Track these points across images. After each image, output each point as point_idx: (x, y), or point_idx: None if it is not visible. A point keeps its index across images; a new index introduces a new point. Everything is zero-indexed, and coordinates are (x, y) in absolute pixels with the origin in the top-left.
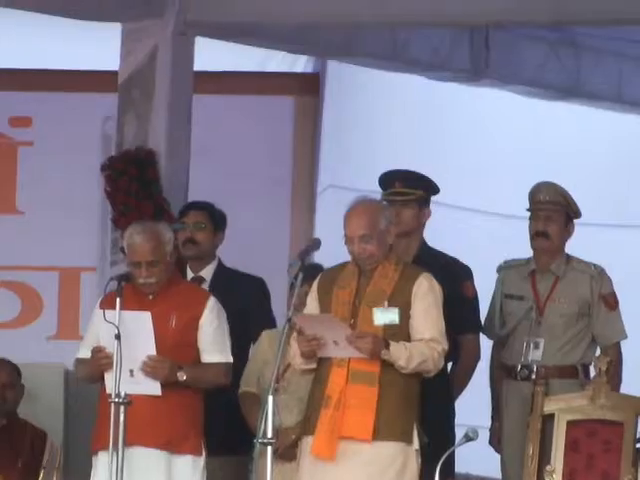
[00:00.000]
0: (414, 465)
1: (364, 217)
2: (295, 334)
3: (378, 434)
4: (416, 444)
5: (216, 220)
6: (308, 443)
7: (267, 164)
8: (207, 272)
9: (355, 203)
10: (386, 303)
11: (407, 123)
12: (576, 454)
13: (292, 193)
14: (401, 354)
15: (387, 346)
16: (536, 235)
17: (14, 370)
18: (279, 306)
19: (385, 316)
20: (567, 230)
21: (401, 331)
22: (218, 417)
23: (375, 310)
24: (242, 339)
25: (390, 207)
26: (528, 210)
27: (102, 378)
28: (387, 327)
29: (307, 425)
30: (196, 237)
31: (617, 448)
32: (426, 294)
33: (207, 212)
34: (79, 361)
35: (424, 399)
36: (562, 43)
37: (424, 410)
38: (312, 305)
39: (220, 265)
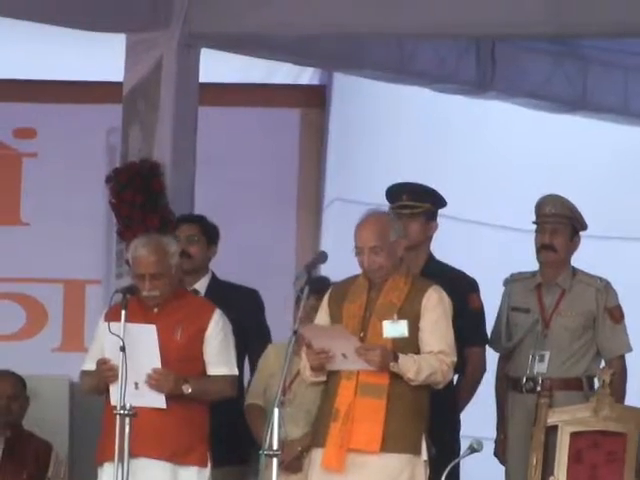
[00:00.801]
0: (422, 476)
1: (374, 229)
2: (305, 347)
3: (386, 446)
4: (424, 455)
5: (209, 233)
6: (318, 455)
7: (273, 176)
8: (201, 285)
9: (366, 215)
10: (395, 316)
11: (413, 135)
12: (579, 465)
13: (298, 206)
14: (410, 366)
15: (396, 359)
16: (542, 248)
17: (19, 382)
18: (284, 319)
19: (394, 329)
20: (573, 243)
21: (410, 344)
22: (221, 427)
23: (385, 323)
24: (237, 351)
25: (399, 220)
26: (534, 223)
27: (107, 390)
28: (396, 340)
29: (317, 438)
30: (189, 250)
31: (620, 459)
32: (435, 307)
33: (200, 225)
34: (84, 373)
35: (430, 411)
36: (568, 55)
37: (430, 422)
38: (323, 318)
39: (214, 278)
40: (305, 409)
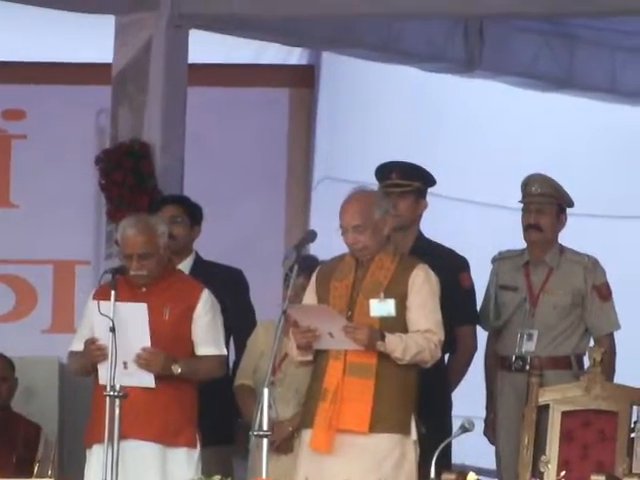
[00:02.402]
0: (412, 456)
1: (357, 208)
2: (292, 326)
3: (375, 426)
4: (414, 435)
5: (192, 213)
6: (307, 436)
7: (262, 156)
8: (185, 266)
9: (350, 194)
10: (382, 295)
11: (402, 114)
12: (571, 444)
13: (287, 185)
14: (397, 345)
15: (383, 337)
16: (528, 227)
17: (7, 364)
18: (274, 298)
19: (381, 308)
20: (559, 221)
21: (398, 323)
22: (209, 407)
23: (371, 302)
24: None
25: (387, 198)
26: (520, 202)
27: (95, 370)
28: (383, 319)
29: (305, 418)
30: (172, 231)
31: (612, 438)
32: (422, 285)
33: (183, 206)
34: (72, 354)
35: (421, 390)
36: (556, 34)
37: (421, 401)
38: (310, 297)
39: (198, 258)
40: (295, 389)
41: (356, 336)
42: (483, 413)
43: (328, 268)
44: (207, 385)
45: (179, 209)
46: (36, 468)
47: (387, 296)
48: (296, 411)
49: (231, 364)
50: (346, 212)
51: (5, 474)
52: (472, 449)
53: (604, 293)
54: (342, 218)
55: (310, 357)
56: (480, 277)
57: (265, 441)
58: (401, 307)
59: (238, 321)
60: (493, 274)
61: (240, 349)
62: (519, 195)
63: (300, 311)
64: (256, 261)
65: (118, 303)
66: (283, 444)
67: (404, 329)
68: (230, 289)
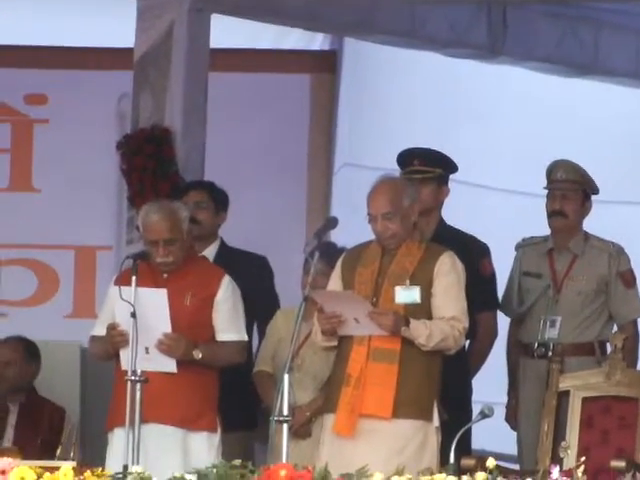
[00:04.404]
0: (434, 442)
1: (387, 195)
2: (317, 312)
3: (398, 412)
4: (436, 421)
5: (218, 199)
6: (329, 421)
7: (283, 142)
8: (209, 252)
9: (378, 181)
10: (408, 282)
11: (424, 100)
12: (591, 430)
13: (308, 171)
14: (421, 332)
15: (407, 323)
16: (553, 214)
17: (20, 347)
18: (295, 285)
19: (406, 294)
20: (584, 208)
21: (422, 309)
22: (230, 393)
23: (397, 288)
24: (246, 318)
25: (412, 185)
26: (545, 188)
27: (116, 355)
28: (408, 305)
29: (328, 403)
30: (197, 217)
31: (632, 424)
32: (448, 272)
33: (208, 191)
34: (93, 338)
35: (441, 376)
36: (580, 19)
37: (442, 387)
38: (335, 283)
39: (223, 244)
40: (313, 374)
41: (381, 321)
42: (503, 399)
43: (354, 255)
44: (230, 371)
45: (204, 194)
46: (59, 450)
47: (412, 283)
48: (314, 396)
49: (255, 351)
50: (375, 200)
51: (29, 456)
52: (492, 434)
53: (628, 280)
54: (371, 206)
55: (335, 342)
56: (501, 264)
57: (285, 426)
58: (426, 294)
59: (262, 308)
60: (517, 261)
61: (264, 336)
62: (542, 181)
63: (325, 296)
64: (277, 247)
65: (139, 288)
66: (301, 429)
67: (429, 316)
68: (255, 276)
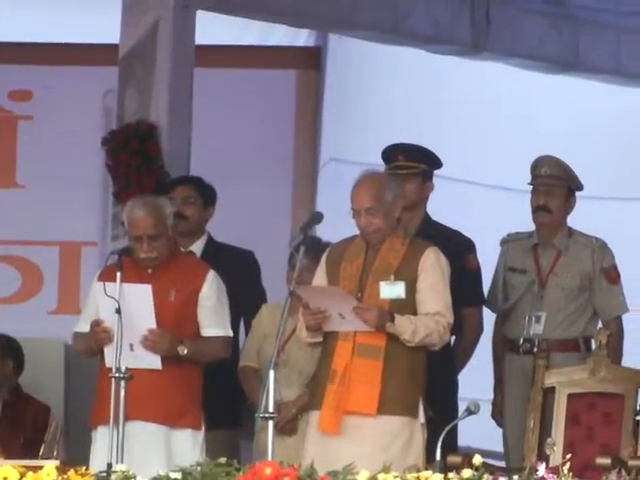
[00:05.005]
0: (420, 439)
1: (370, 190)
2: (301, 307)
3: (383, 408)
4: (422, 418)
5: (205, 194)
6: (314, 417)
7: (269, 138)
8: (197, 247)
9: (361, 176)
10: (392, 277)
11: (408, 96)
12: (576, 427)
13: (294, 166)
14: (406, 327)
15: (392, 319)
16: (537, 209)
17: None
18: (281, 280)
19: (391, 290)
20: (568, 204)
21: (407, 305)
22: (215, 390)
23: (381, 284)
24: (232, 313)
25: (396, 180)
26: (530, 184)
27: (100, 352)
28: (393, 301)
29: (313, 400)
30: (185, 212)
31: (617, 420)
32: (432, 268)
33: (196, 186)
34: (77, 335)
35: (427, 373)
36: (562, 17)
37: (427, 384)
38: (320, 279)
39: (210, 239)
40: (299, 370)
41: (366, 317)
42: (489, 395)
43: (338, 249)
44: (215, 368)
45: (192, 190)
46: (42, 448)
47: (397, 278)
48: (300, 393)
49: (241, 346)
50: (358, 195)
51: (12, 455)
52: (478, 432)
53: (612, 276)
54: (354, 201)
55: (320, 338)
56: (486, 259)
57: (271, 423)
58: (411, 289)
59: (249, 302)
60: (502, 256)
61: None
62: (525, 177)
63: (310, 292)
64: (262, 243)
65: (123, 284)
66: (287, 426)
67: (414, 311)
68: (242, 271)
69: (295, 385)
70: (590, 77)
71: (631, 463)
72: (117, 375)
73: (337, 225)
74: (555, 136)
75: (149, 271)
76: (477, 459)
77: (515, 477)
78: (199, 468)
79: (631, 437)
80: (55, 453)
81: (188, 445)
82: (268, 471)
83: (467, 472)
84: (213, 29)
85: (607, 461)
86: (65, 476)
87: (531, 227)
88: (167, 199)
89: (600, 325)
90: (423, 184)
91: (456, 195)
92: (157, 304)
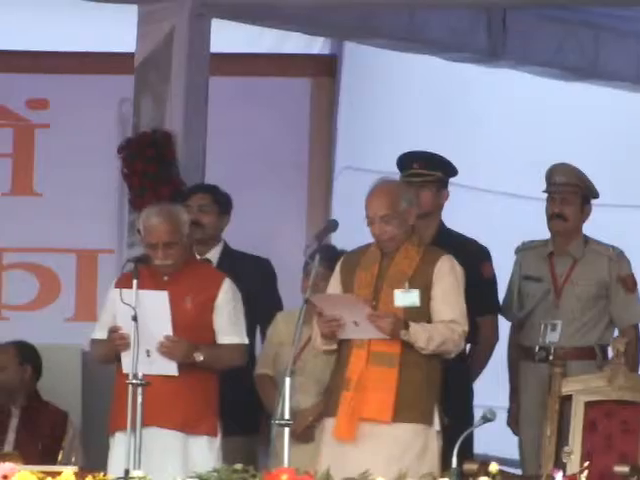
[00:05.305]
0: (435, 447)
1: (385, 198)
2: (316, 315)
3: (398, 415)
4: (437, 425)
5: (221, 202)
6: (329, 425)
7: (284, 146)
8: (213, 255)
9: (376, 184)
10: (407, 284)
11: (424, 104)
12: (594, 435)
13: (309, 175)
14: (421, 335)
15: (407, 327)
16: (553, 217)
17: (13, 351)
18: (295, 288)
19: (405, 298)
20: (584, 211)
21: (422, 313)
22: (231, 397)
23: (396, 292)
24: (248, 320)
25: (411, 188)
26: (545, 192)
27: (118, 359)
28: (408, 309)
29: (328, 407)
30: (201, 220)
31: (635, 429)
32: (447, 275)
33: (212, 194)
34: (94, 342)
35: (443, 381)
36: (580, 24)
37: (443, 392)
38: (335, 287)
39: (226, 247)
40: (316, 378)
41: (380, 324)
42: (505, 403)
43: (353, 257)
44: (231, 375)
45: (208, 198)
46: (61, 454)
47: (412, 286)
48: (316, 400)
49: (258, 353)
50: (373, 202)
51: (30, 461)
52: (495, 439)
53: (629, 284)
54: (369, 208)
55: (334, 346)
56: (502, 267)
57: (286, 430)
58: (425, 297)
59: (265, 310)
60: (517, 264)
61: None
62: (542, 185)
63: (325, 300)
64: (277, 250)
65: (140, 291)
66: (303, 433)
67: (428, 319)
68: (258, 278)
69: (311, 393)
70: (608, 84)
71: None
72: (134, 381)
73: (352, 233)
74: (571, 144)
75: (165, 278)
76: (493, 467)
77: None
78: (215, 474)
79: None
80: (73, 459)
81: (204, 452)
82: (284, 478)
83: None
84: (228, 37)
85: (625, 469)
86: None
87: (546, 235)
88: (183, 207)
89: (616, 333)
90: (438, 192)
91: (471, 203)
92: (173, 311)
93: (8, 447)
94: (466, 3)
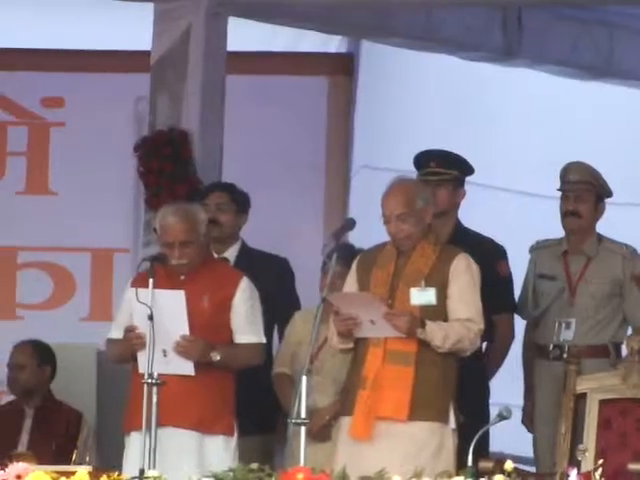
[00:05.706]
0: (450, 445)
1: (401, 196)
2: (332, 314)
3: (414, 414)
4: (452, 424)
5: (239, 201)
6: (346, 423)
7: (300, 145)
8: (230, 253)
9: (392, 183)
10: (423, 283)
11: (440, 103)
12: (609, 433)
13: (326, 173)
14: (437, 333)
15: (423, 325)
16: (567, 214)
17: (32, 351)
18: (314, 287)
19: (422, 296)
20: (597, 210)
21: (438, 311)
22: (248, 396)
23: (412, 290)
24: (266, 319)
25: (427, 187)
26: (559, 190)
27: (134, 358)
28: (424, 307)
29: (345, 406)
30: (219, 218)
31: None
32: (463, 274)
33: (230, 193)
34: (110, 341)
35: (459, 378)
36: (595, 23)
37: (459, 390)
38: (351, 285)
39: (244, 246)
40: (333, 377)
41: (397, 323)
42: (520, 401)
43: (369, 256)
44: (249, 374)
45: (225, 196)
46: (75, 454)
47: (428, 285)
48: (333, 399)
49: (275, 352)
50: (389, 201)
51: (44, 461)
52: (511, 437)
53: None
54: (385, 207)
55: (351, 345)
56: (518, 266)
57: (303, 429)
58: (442, 296)
59: (283, 309)
60: (531, 263)
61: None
62: (557, 184)
63: (341, 298)
64: (295, 249)
65: (156, 290)
66: (320, 432)
67: (444, 318)
68: (276, 277)
69: (329, 392)
70: (623, 83)
71: None
72: (150, 381)
73: (369, 231)
74: (586, 142)
75: (181, 277)
76: (509, 465)
77: None
78: (231, 474)
79: None
80: (87, 459)
81: (220, 451)
82: (300, 477)
83: (499, 477)
84: (244, 36)
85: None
86: None
87: (560, 234)
88: (200, 206)
89: (630, 331)
90: (455, 190)
91: (488, 202)
92: (190, 310)
93: (22, 448)
94: (482, 2)
